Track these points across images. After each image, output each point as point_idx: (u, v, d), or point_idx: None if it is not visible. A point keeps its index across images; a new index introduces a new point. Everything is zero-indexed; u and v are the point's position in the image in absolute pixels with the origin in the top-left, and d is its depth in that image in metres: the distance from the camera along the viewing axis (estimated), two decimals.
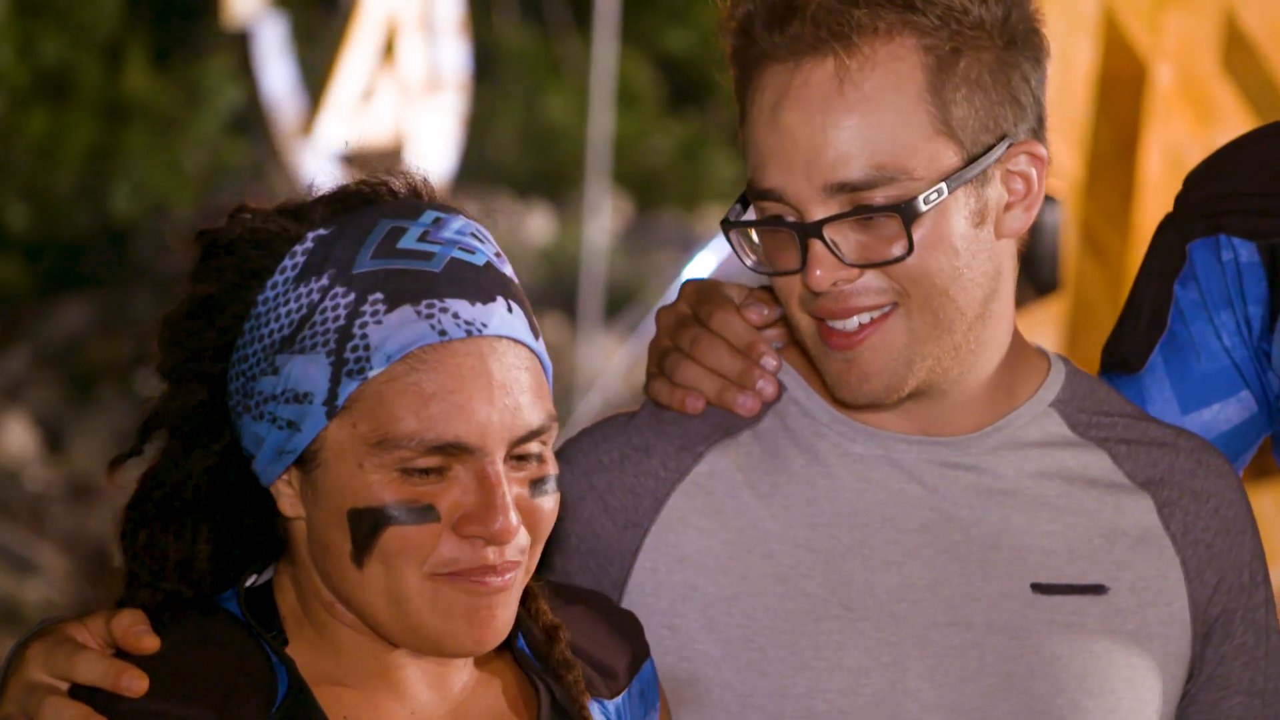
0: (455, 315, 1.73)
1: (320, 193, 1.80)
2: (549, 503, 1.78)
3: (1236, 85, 7.53)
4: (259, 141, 14.20)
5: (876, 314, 1.94)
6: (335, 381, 1.73)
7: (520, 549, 1.76)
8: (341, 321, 1.73)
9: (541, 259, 14.54)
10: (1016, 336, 2.04)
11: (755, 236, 1.97)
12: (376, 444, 1.72)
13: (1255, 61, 7.59)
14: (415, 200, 1.80)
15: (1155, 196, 7.39)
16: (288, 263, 1.75)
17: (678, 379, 2.04)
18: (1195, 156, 2.22)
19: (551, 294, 13.62)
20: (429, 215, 1.78)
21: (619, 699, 1.90)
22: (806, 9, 1.90)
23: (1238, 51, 7.54)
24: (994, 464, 2.01)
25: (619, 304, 13.00)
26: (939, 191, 1.90)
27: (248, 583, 1.81)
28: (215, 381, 1.78)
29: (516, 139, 15.86)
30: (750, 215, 1.98)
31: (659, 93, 16.12)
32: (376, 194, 1.80)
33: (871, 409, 2.00)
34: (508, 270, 1.80)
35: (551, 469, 1.79)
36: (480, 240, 1.79)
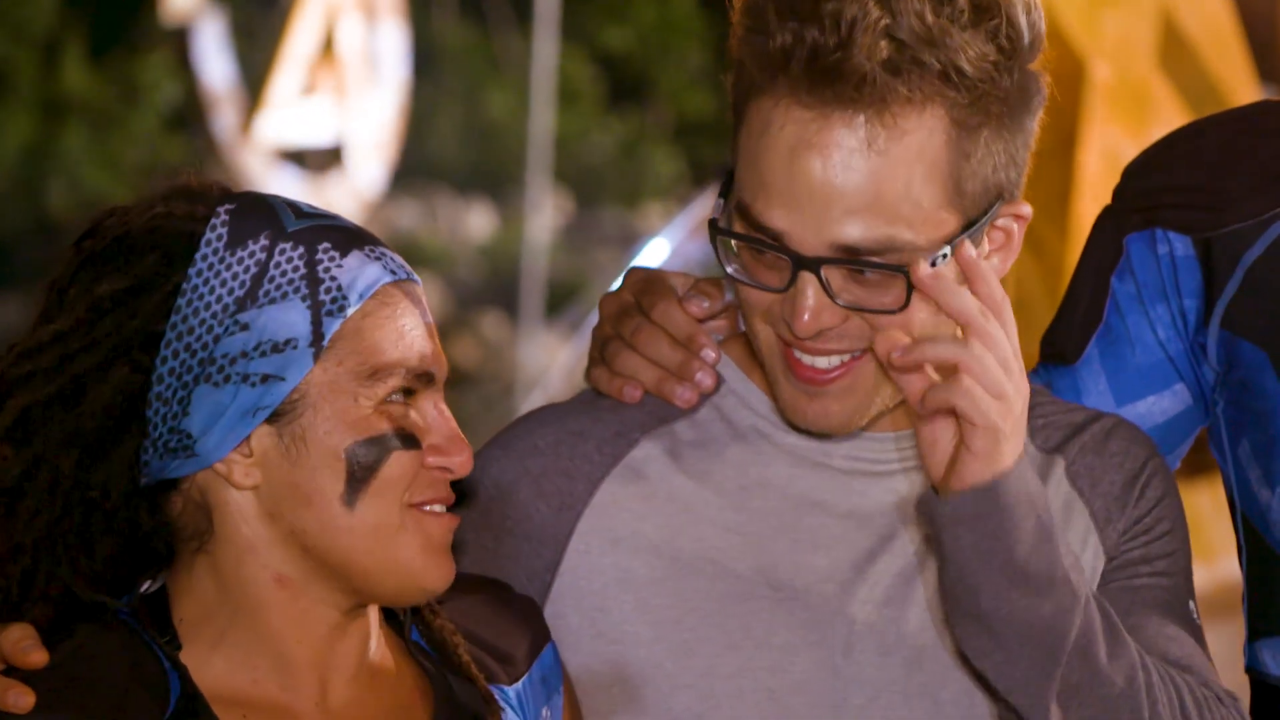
0: (392, 259, 1.82)
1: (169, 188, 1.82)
2: None
3: (1173, 83, 7.58)
4: (197, 138, 14.14)
5: (848, 356, 1.95)
6: (317, 323, 1.76)
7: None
8: (303, 270, 1.77)
9: (482, 256, 14.52)
10: None
11: (735, 244, 1.96)
12: (369, 376, 1.77)
13: (1192, 60, 7.64)
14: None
15: (1093, 194, 7.43)
16: (210, 235, 1.78)
17: (617, 368, 2.05)
18: (1132, 154, 2.23)
19: (492, 291, 13.60)
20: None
21: (519, 684, 1.91)
22: (853, 76, 1.87)
23: (1174, 50, 7.59)
24: None
25: (560, 301, 13.00)
26: (944, 256, 1.91)
27: (144, 588, 1.79)
28: (145, 371, 1.77)
29: (457, 136, 15.83)
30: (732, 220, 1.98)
31: (599, 90, 16.13)
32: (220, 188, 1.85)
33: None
34: None
35: None
36: None
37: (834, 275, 1.91)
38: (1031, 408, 2.07)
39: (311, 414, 1.76)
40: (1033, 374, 2.18)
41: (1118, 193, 2.18)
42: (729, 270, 1.96)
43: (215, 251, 1.77)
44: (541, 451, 2.03)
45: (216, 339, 1.75)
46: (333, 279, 1.77)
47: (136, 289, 1.76)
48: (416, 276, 1.84)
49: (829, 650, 1.98)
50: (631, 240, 13.41)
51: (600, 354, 2.07)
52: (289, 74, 14.19)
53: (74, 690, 1.72)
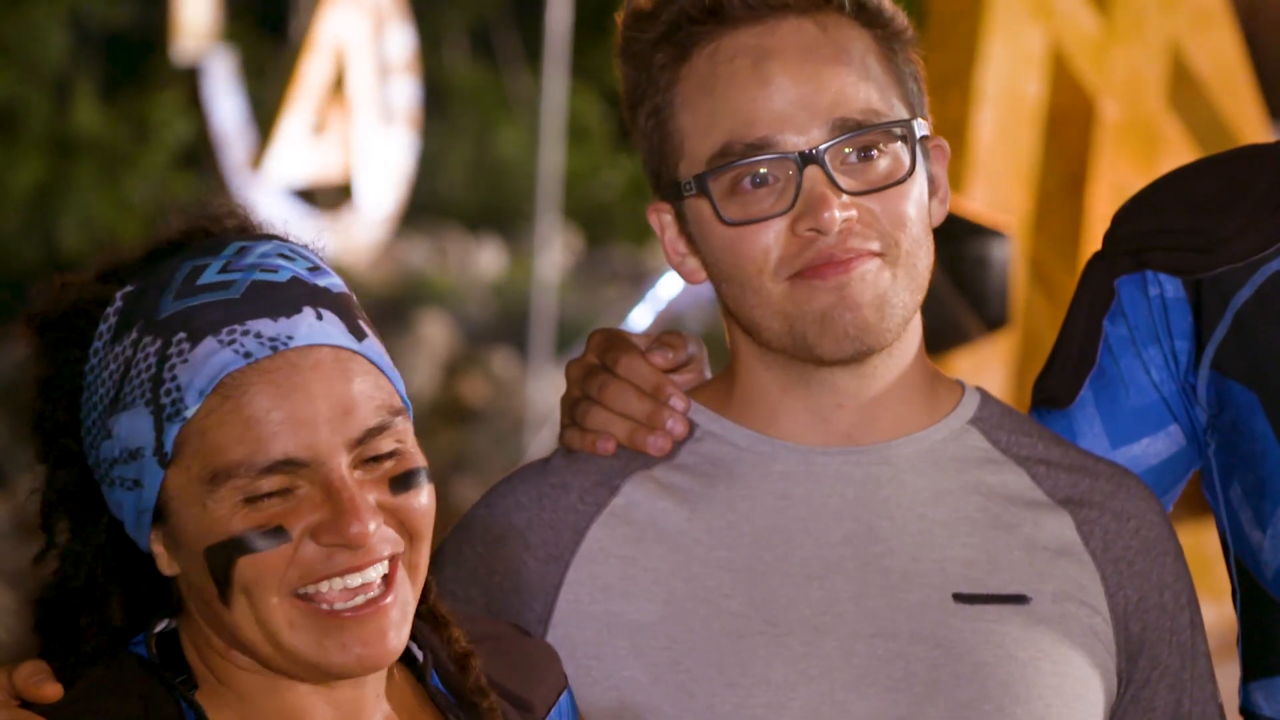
0: (258, 335, 1.72)
1: (135, 250, 1.79)
2: (419, 498, 1.75)
3: (1183, 121, 7.58)
4: (208, 176, 14.17)
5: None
6: (159, 430, 1.72)
7: (389, 543, 1.74)
8: (153, 370, 1.72)
9: (492, 293, 14.54)
10: (928, 361, 2.09)
11: (725, 190, 1.97)
12: (210, 480, 1.71)
13: (1201, 97, 7.65)
14: (224, 236, 1.79)
15: (1102, 232, 7.42)
16: (103, 327, 1.75)
17: (588, 425, 2.07)
18: None
19: (502, 329, 13.61)
20: (233, 247, 1.77)
21: None
22: None
23: (1184, 88, 7.60)
24: (914, 477, 2.03)
25: (570, 339, 12.99)
26: (920, 125, 1.99)
27: (158, 628, 1.79)
28: (79, 460, 1.77)
29: (467, 174, 15.86)
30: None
31: (609, 128, 16.16)
32: (188, 238, 1.79)
33: (851, 363, 2.00)
34: (324, 281, 1.77)
35: (416, 462, 1.75)
36: (288, 258, 1.77)
37: (835, 163, 1.96)
38: (1023, 433, 2.08)
39: (177, 518, 1.74)
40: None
41: (1108, 237, 2.19)
42: (726, 219, 1.96)
43: (104, 345, 1.76)
44: (524, 506, 2.03)
45: (96, 443, 1.76)
46: (173, 379, 1.72)
47: (55, 378, 1.77)
48: (325, 335, 1.72)
49: (830, 685, 1.97)
50: (641, 278, 13.41)
51: (570, 417, 2.09)
52: (299, 112, 14.22)
53: None
